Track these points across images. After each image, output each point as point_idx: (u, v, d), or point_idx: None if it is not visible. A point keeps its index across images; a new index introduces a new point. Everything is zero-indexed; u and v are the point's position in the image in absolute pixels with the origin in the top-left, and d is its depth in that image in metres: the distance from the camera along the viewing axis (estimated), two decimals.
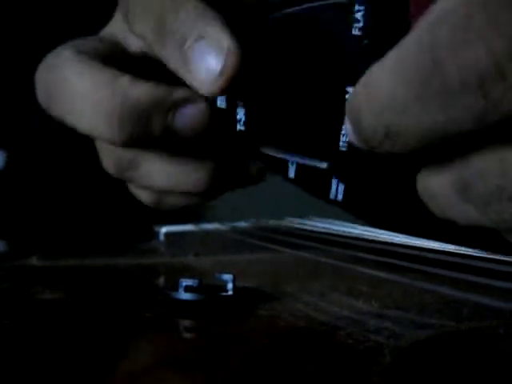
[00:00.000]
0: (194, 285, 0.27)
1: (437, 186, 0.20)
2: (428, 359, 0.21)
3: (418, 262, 0.35)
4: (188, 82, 0.25)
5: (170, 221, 0.53)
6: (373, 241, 0.42)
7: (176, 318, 0.26)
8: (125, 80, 0.27)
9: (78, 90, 0.28)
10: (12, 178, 0.55)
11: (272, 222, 0.56)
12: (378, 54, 0.20)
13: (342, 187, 0.24)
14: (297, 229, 0.52)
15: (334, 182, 0.24)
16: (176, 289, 0.27)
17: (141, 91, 0.26)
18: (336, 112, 0.22)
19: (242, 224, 0.56)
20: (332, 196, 0.24)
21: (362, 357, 0.21)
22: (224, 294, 0.27)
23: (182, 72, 0.25)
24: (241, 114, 0.24)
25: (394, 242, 0.40)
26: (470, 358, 0.22)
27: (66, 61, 0.29)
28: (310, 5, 0.22)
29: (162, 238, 0.51)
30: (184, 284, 0.27)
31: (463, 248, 0.36)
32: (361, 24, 0.21)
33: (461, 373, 0.20)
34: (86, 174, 0.62)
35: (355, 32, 0.21)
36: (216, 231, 0.54)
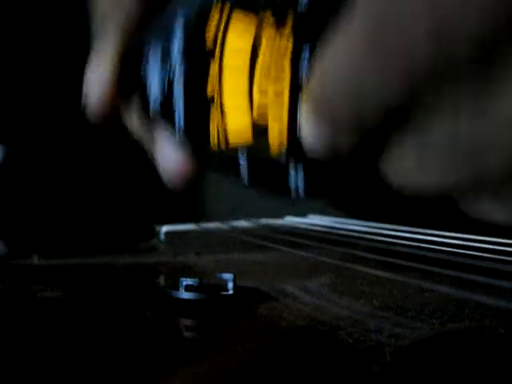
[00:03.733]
0: (195, 284, 0.27)
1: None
2: (428, 359, 0.21)
3: (419, 261, 0.35)
4: None
5: (170, 220, 0.53)
6: (373, 239, 0.42)
7: (177, 317, 0.26)
8: None
9: None
10: (10, 173, 0.55)
11: (272, 221, 0.56)
12: None
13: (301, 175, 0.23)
14: (297, 228, 0.52)
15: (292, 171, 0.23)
16: (177, 288, 0.27)
17: None
18: None
19: (243, 223, 0.56)
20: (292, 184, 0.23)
21: (362, 356, 0.21)
22: (224, 293, 0.27)
23: None
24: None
25: (395, 240, 0.40)
26: (471, 357, 0.22)
27: None
28: None
29: (162, 237, 0.51)
30: (185, 283, 0.27)
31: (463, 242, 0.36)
32: None
33: (461, 372, 0.20)
34: (86, 171, 0.62)
35: None
36: (216, 230, 0.54)
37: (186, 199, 0.72)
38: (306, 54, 0.20)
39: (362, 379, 0.19)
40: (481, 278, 0.31)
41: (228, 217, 0.57)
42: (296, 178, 0.23)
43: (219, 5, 0.22)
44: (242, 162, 0.23)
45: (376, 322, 0.25)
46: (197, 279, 0.27)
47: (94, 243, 0.48)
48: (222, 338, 0.24)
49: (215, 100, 0.23)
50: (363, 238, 0.43)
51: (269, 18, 0.21)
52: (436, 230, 0.40)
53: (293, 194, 0.23)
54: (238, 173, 0.24)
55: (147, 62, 0.23)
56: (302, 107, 0.20)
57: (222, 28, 0.22)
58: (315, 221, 0.53)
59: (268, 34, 0.21)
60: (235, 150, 0.23)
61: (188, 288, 0.27)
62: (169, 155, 0.25)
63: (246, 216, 0.57)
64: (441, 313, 0.26)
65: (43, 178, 0.57)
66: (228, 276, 0.28)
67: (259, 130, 0.23)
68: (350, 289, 0.32)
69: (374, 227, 0.45)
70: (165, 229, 0.51)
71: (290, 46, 0.21)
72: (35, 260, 0.41)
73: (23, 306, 0.28)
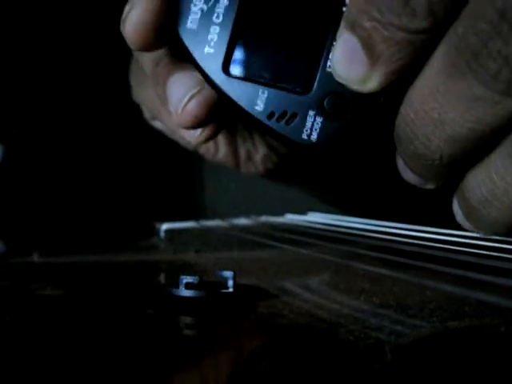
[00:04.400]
0: (195, 282, 0.27)
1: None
2: (429, 357, 0.21)
3: (419, 258, 0.35)
4: None
5: (170, 217, 0.53)
6: (373, 237, 0.42)
7: (177, 315, 0.26)
8: None
9: None
10: (9, 171, 0.55)
11: (272, 219, 0.56)
12: None
13: (319, 120, 0.23)
14: (297, 225, 0.52)
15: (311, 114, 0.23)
16: (177, 285, 0.27)
17: None
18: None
19: (242, 221, 0.56)
20: (305, 135, 0.23)
21: (362, 354, 0.21)
22: (224, 290, 0.27)
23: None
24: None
25: (395, 238, 0.40)
26: (471, 355, 0.22)
27: None
28: None
29: (162, 234, 0.51)
30: (184, 281, 0.27)
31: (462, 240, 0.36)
32: None
33: (461, 371, 0.20)
34: (86, 169, 0.62)
35: None
36: (216, 228, 0.54)
37: (186, 197, 0.72)
38: None
39: (362, 377, 0.19)
40: (482, 276, 0.31)
41: (228, 214, 0.57)
42: (313, 121, 0.23)
43: None
44: (263, 91, 0.23)
45: (376, 320, 0.25)
46: (197, 277, 0.27)
47: (94, 241, 0.48)
48: (222, 336, 0.24)
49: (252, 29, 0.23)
50: (364, 236, 0.43)
51: None
52: (437, 227, 0.40)
53: (304, 138, 0.23)
54: (254, 104, 0.23)
55: None
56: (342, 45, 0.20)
57: None
58: (315, 218, 0.53)
59: None
60: (259, 77, 0.23)
61: (188, 285, 0.27)
62: (183, 88, 0.25)
63: (245, 213, 0.57)
64: (441, 311, 0.26)
65: (42, 176, 0.57)
66: (228, 273, 0.28)
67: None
68: (351, 286, 0.32)
69: (374, 225, 0.45)
70: (165, 226, 0.51)
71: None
72: (35, 258, 0.41)
73: (23, 304, 0.28)
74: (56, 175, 0.58)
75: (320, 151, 0.23)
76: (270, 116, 0.23)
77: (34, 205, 0.54)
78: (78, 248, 0.45)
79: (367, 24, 0.19)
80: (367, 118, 0.22)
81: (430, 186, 0.22)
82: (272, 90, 0.23)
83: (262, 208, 0.58)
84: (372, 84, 0.20)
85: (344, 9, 0.21)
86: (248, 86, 0.23)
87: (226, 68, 0.23)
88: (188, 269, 0.38)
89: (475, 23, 0.18)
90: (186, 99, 0.25)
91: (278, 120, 0.23)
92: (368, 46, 0.19)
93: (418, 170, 0.21)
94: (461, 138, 0.19)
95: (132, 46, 0.24)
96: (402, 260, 0.35)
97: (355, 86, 0.20)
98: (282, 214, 0.57)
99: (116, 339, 0.23)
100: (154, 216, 0.55)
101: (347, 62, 0.20)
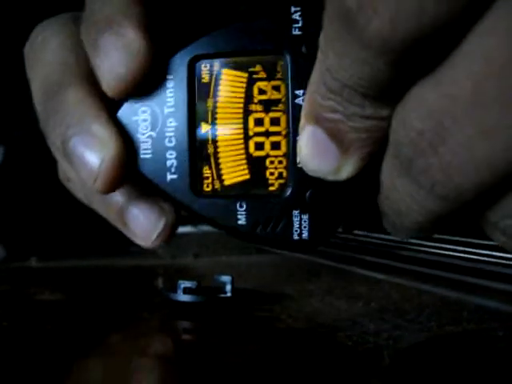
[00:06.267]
0: (193, 286, 0.27)
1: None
2: (427, 361, 0.21)
3: (417, 263, 0.35)
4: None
5: None
6: (371, 242, 0.42)
7: (175, 320, 0.26)
8: None
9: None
10: (10, 173, 0.55)
11: None
12: None
13: (305, 217, 0.21)
14: None
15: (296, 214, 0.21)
16: (175, 290, 0.27)
17: None
18: None
19: None
20: (296, 235, 0.22)
21: (361, 359, 0.21)
22: (223, 295, 0.27)
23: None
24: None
25: (393, 243, 0.40)
26: (469, 360, 0.22)
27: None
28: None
29: None
30: (183, 286, 0.27)
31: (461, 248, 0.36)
32: (299, 24, 0.20)
33: (460, 375, 0.20)
34: None
35: (295, 32, 0.20)
36: (214, 233, 0.54)
37: None
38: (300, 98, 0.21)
39: (360, 381, 0.19)
40: (479, 281, 0.31)
41: None
42: (300, 219, 0.22)
43: (208, 65, 0.22)
44: (241, 204, 0.22)
45: (374, 325, 0.25)
46: (195, 281, 0.27)
47: (92, 245, 0.48)
48: (220, 341, 0.24)
49: (209, 144, 0.22)
50: (362, 241, 0.43)
51: (259, 73, 0.22)
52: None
53: (296, 239, 0.22)
54: (235, 219, 0.22)
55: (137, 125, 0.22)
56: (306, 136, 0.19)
57: (213, 82, 0.22)
58: None
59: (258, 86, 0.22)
60: (232, 190, 0.22)
61: (186, 290, 0.27)
62: (150, 216, 0.24)
63: None
64: (439, 315, 0.26)
65: (42, 180, 0.57)
66: (226, 278, 0.28)
67: (255, 162, 0.22)
68: (349, 291, 0.32)
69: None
70: None
71: (284, 90, 0.21)
72: (33, 262, 0.41)
73: (21, 309, 0.28)
74: (55, 178, 0.58)
75: (315, 246, 0.22)
76: (255, 226, 0.22)
77: (34, 208, 0.54)
78: (76, 252, 0.45)
79: (331, 116, 0.18)
80: (353, 198, 0.21)
81: None
82: (250, 201, 0.22)
83: None
84: (347, 171, 0.19)
85: (296, 101, 0.21)
86: (224, 203, 0.22)
87: (195, 190, 0.22)
88: (186, 273, 0.38)
89: (401, 139, 0.17)
90: (157, 231, 0.24)
91: (264, 228, 0.22)
92: (336, 137, 0.18)
93: (403, 234, 0.20)
94: (427, 220, 0.18)
95: (103, 193, 0.23)
96: (400, 265, 0.35)
97: (330, 177, 0.19)
98: None
99: (114, 343, 0.23)
100: None
101: (317, 155, 0.19)
